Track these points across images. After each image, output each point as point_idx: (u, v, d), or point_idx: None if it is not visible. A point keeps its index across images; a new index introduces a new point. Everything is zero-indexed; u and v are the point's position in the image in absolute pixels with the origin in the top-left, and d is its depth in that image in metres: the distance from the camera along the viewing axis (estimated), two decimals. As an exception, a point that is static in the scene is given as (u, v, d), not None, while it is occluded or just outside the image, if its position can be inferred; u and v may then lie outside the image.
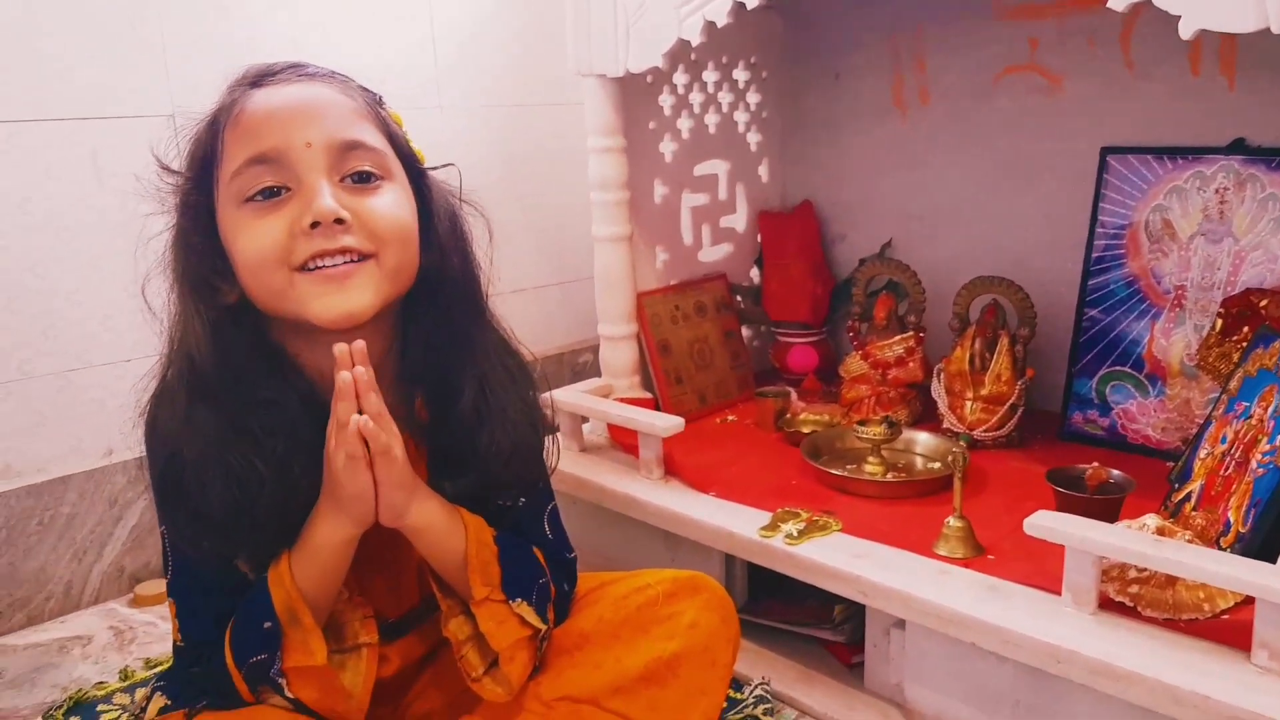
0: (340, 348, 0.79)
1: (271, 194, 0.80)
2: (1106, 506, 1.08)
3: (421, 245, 0.88)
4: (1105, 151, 1.37)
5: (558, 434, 1.03)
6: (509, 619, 0.88)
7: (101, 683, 1.21)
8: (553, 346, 2.06)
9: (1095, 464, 1.12)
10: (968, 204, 1.59)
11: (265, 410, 0.84)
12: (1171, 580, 0.93)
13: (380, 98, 0.92)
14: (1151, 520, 0.96)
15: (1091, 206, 1.39)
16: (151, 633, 1.34)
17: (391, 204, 0.84)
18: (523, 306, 2.01)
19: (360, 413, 0.79)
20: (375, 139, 0.85)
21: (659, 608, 0.95)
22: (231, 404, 0.82)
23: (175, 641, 0.88)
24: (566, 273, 2.03)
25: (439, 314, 0.90)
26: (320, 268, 0.80)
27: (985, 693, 0.99)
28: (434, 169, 0.93)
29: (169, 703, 0.88)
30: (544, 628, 0.90)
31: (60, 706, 1.14)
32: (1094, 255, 1.38)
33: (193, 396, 0.82)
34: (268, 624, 0.81)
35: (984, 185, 1.57)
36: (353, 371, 0.78)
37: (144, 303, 0.85)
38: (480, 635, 0.88)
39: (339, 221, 0.80)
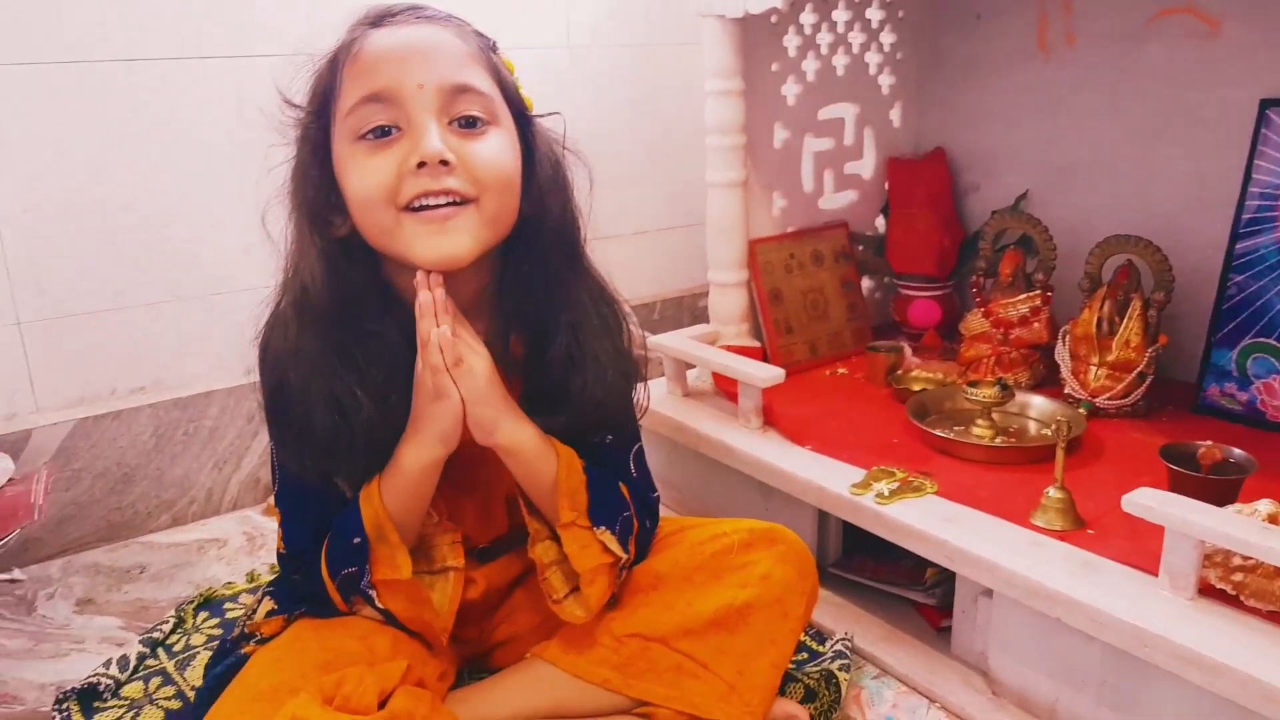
0: (420, 275, 0.82)
1: (383, 133, 0.83)
2: (1222, 488, 1.01)
3: (523, 191, 0.90)
4: (1265, 104, 1.26)
5: (647, 381, 1.03)
6: (592, 544, 0.91)
7: (230, 583, 1.31)
8: (673, 289, 2.06)
9: (1210, 442, 1.05)
10: (1111, 157, 1.49)
11: (369, 341, 0.88)
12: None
13: (494, 43, 0.93)
14: (1265, 506, 0.89)
15: (1245, 164, 1.28)
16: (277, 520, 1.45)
17: (496, 150, 0.86)
18: (645, 249, 2.01)
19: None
20: (485, 84, 0.86)
21: (733, 556, 0.96)
22: (338, 334, 0.87)
23: (279, 550, 0.94)
24: (691, 216, 2.02)
25: (537, 259, 0.92)
26: (424, 207, 0.83)
27: (1071, 670, 0.95)
28: (541, 116, 0.94)
29: (275, 607, 0.95)
30: (625, 556, 0.93)
31: (192, 602, 1.24)
32: (1244, 217, 1.28)
33: (303, 324, 0.86)
34: (357, 539, 0.87)
35: (1130, 137, 1.47)
36: (432, 291, 0.82)
37: (264, 231, 0.89)
38: (564, 560, 0.92)
39: (444, 163, 0.82)
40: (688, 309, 2.05)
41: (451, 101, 0.84)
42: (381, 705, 0.80)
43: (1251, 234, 1.28)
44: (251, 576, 1.32)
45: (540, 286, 0.92)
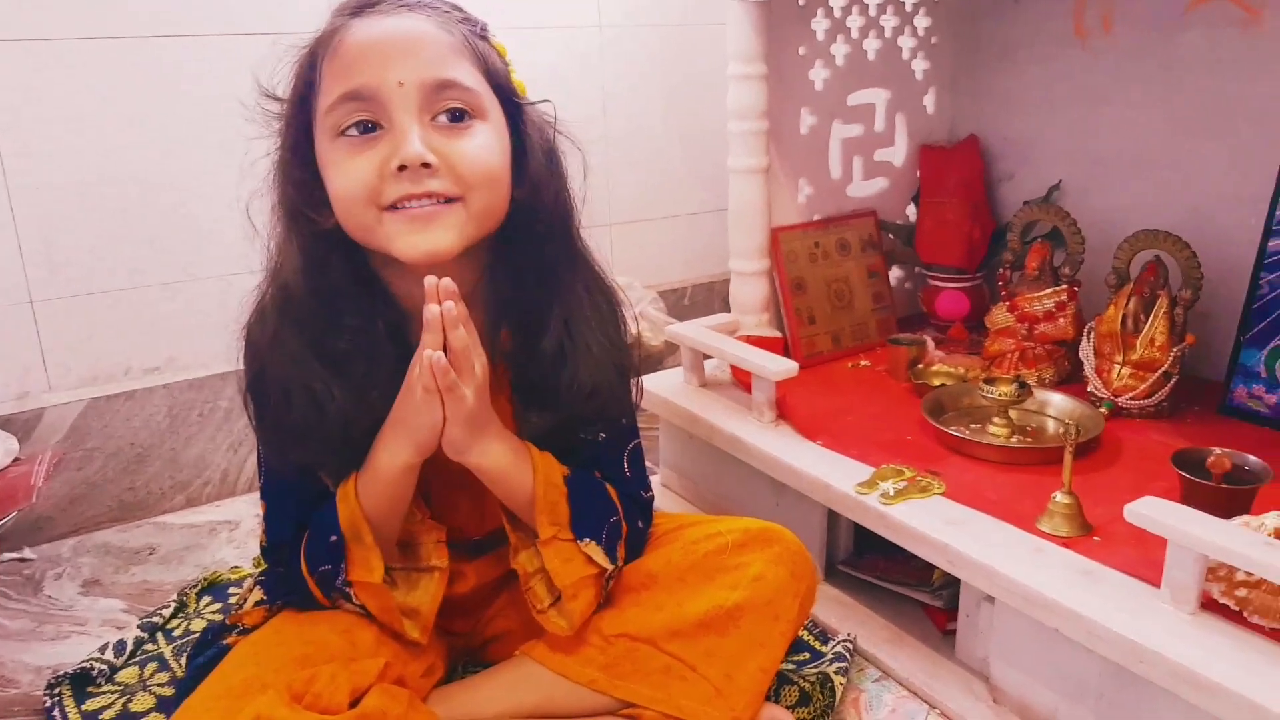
0: (430, 280, 0.81)
1: (364, 129, 0.83)
2: (1235, 497, 0.98)
3: (515, 180, 0.89)
4: (1303, 97, 1.22)
5: (639, 376, 1.02)
6: (575, 557, 0.90)
7: (237, 567, 1.32)
8: (704, 274, 2.05)
9: (1220, 449, 1.02)
10: (1147, 148, 1.45)
11: (351, 335, 0.88)
12: (1287, 588, 0.84)
13: (484, 27, 0.92)
14: (1272, 519, 0.86)
15: (1282, 159, 1.24)
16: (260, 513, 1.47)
17: (481, 146, 0.85)
18: (677, 233, 2.00)
19: (444, 348, 0.82)
20: (470, 77, 0.85)
21: (726, 556, 0.95)
22: (318, 328, 0.87)
23: (261, 542, 0.95)
24: (723, 200, 1.98)
25: (529, 249, 0.91)
26: (407, 207, 0.82)
27: (1070, 681, 0.94)
28: (532, 104, 0.93)
29: (264, 597, 0.96)
30: (611, 567, 0.92)
31: (195, 586, 1.25)
32: (1278, 214, 1.24)
33: (283, 316, 0.87)
34: (334, 537, 0.87)
35: (1166, 128, 1.42)
36: (441, 306, 0.81)
37: (249, 222, 0.90)
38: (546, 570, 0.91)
39: (426, 165, 0.81)
40: (719, 294, 2.04)
41: (434, 97, 0.83)
42: (356, 703, 0.80)
43: (1287, 232, 1.23)
44: (257, 561, 1.31)
45: (533, 277, 0.92)
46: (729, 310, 1.55)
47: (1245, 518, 0.89)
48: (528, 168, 0.90)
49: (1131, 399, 1.28)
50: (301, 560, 0.89)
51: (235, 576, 1.29)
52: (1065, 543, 0.99)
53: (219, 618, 1.17)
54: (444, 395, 0.83)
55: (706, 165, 1.97)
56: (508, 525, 0.93)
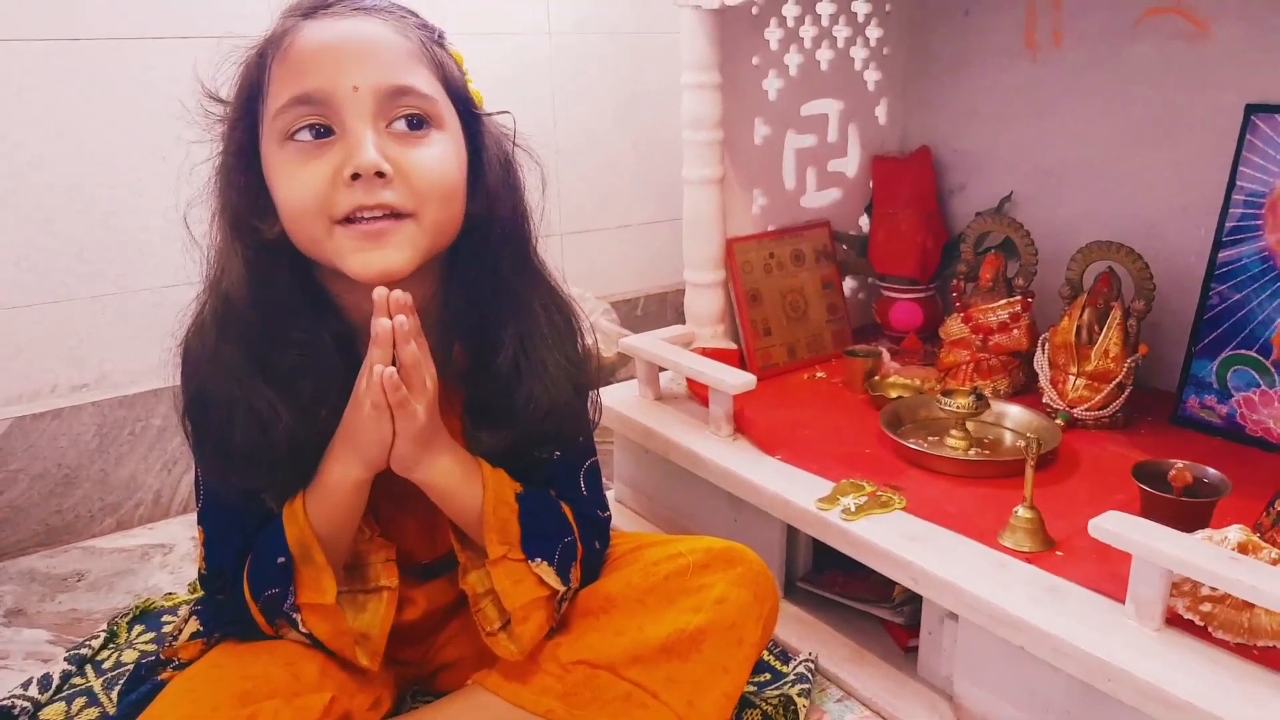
0: (380, 292, 0.78)
1: (315, 134, 0.79)
2: (1196, 510, 0.98)
3: (470, 192, 0.86)
4: (1250, 109, 1.23)
5: (599, 393, 1.00)
6: (526, 578, 0.87)
7: (171, 594, 1.26)
8: (657, 285, 2.03)
9: (1182, 462, 1.02)
10: (1096, 160, 1.46)
11: (297, 351, 0.84)
12: (1250, 601, 0.84)
13: (440, 34, 0.89)
14: (1235, 533, 0.86)
15: (1230, 170, 1.25)
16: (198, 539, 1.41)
17: (437, 157, 0.82)
18: (629, 243, 1.98)
19: (395, 362, 0.79)
20: (427, 84, 0.82)
21: (688, 578, 0.92)
22: (262, 344, 0.83)
23: (200, 569, 0.90)
24: (677, 210, 1.96)
25: (484, 264, 0.88)
26: (359, 220, 0.79)
27: (1035, 699, 0.93)
28: (489, 115, 0.90)
29: (200, 629, 0.92)
30: (564, 589, 0.89)
31: (127, 615, 1.19)
32: (1227, 225, 1.25)
33: (224, 332, 0.83)
34: (281, 559, 0.83)
35: (1115, 140, 1.43)
36: (393, 320, 0.78)
37: (186, 231, 0.85)
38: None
39: (380, 175, 0.78)
40: (672, 305, 2.02)
41: (389, 104, 0.80)
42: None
43: (1235, 242, 1.24)
44: (194, 587, 1.27)
45: (488, 293, 0.89)
46: (683, 321, 1.53)
47: (1208, 531, 0.88)
48: (484, 180, 0.87)
49: (1086, 410, 1.28)
50: (245, 586, 0.85)
51: (169, 604, 1.23)
52: (1028, 558, 0.98)
53: (153, 648, 1.12)
54: (396, 412, 0.80)
55: (659, 174, 1.95)
56: (456, 545, 0.90)
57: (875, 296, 1.69)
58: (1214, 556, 0.82)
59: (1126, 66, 1.39)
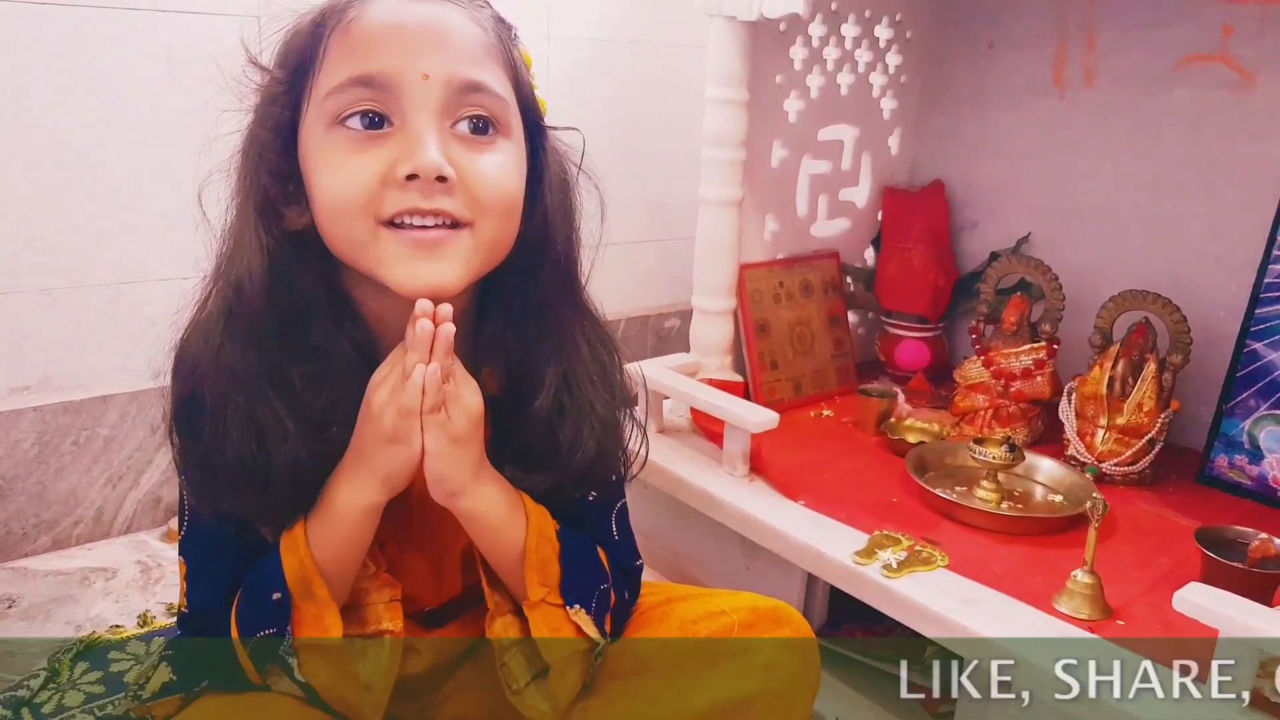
0: (424, 302, 0.68)
1: (370, 123, 0.69)
2: (1264, 582, 0.92)
3: (524, 212, 0.76)
4: (1299, 163, 1.19)
5: (644, 427, 0.90)
6: (564, 626, 0.77)
7: (118, 626, 1.14)
8: (640, 308, 1.94)
9: (1265, 535, 0.96)
10: (1123, 204, 1.41)
11: (312, 359, 0.73)
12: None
13: (515, 32, 0.78)
14: (1330, 615, 0.80)
15: (1271, 226, 1.21)
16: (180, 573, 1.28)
17: (500, 167, 0.71)
18: (612, 263, 1.87)
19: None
20: (500, 84, 0.72)
21: (733, 641, 0.83)
22: (274, 348, 0.72)
23: (180, 608, 0.78)
24: (665, 230, 1.90)
25: (529, 293, 0.78)
26: (410, 225, 0.69)
27: (1098, 781, 0.86)
28: (556, 129, 0.81)
29: (173, 678, 0.79)
30: (602, 642, 0.79)
31: (70, 650, 1.07)
32: (1265, 280, 1.21)
33: (230, 330, 0.71)
34: (277, 595, 0.71)
35: (1146, 186, 1.39)
36: (437, 326, 0.67)
37: (200, 211, 0.74)
38: (526, 640, 0.78)
39: (441, 179, 0.68)
40: (653, 329, 1.93)
41: (459, 100, 0.69)
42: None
43: (1273, 300, 1.20)
44: (144, 619, 1.14)
45: (531, 325, 0.79)
46: (661, 346, 1.44)
47: (1292, 609, 0.82)
48: (542, 201, 0.77)
49: (1115, 465, 1.22)
50: (233, 627, 0.73)
51: (117, 638, 1.10)
52: (1090, 626, 0.91)
53: (100, 690, 1.00)
54: (425, 419, 0.69)
55: (648, 191, 1.86)
56: (486, 585, 0.80)
57: (878, 332, 1.63)
58: (1318, 640, 0.76)
59: (1162, 110, 1.35)
